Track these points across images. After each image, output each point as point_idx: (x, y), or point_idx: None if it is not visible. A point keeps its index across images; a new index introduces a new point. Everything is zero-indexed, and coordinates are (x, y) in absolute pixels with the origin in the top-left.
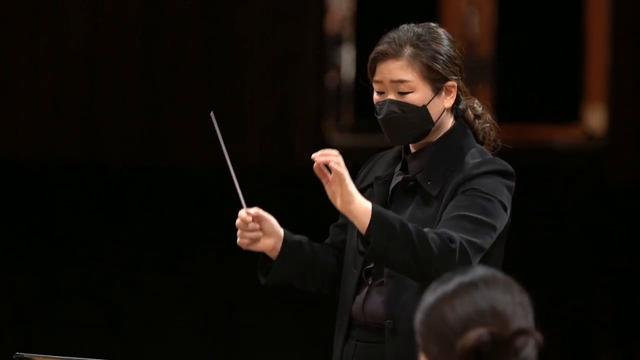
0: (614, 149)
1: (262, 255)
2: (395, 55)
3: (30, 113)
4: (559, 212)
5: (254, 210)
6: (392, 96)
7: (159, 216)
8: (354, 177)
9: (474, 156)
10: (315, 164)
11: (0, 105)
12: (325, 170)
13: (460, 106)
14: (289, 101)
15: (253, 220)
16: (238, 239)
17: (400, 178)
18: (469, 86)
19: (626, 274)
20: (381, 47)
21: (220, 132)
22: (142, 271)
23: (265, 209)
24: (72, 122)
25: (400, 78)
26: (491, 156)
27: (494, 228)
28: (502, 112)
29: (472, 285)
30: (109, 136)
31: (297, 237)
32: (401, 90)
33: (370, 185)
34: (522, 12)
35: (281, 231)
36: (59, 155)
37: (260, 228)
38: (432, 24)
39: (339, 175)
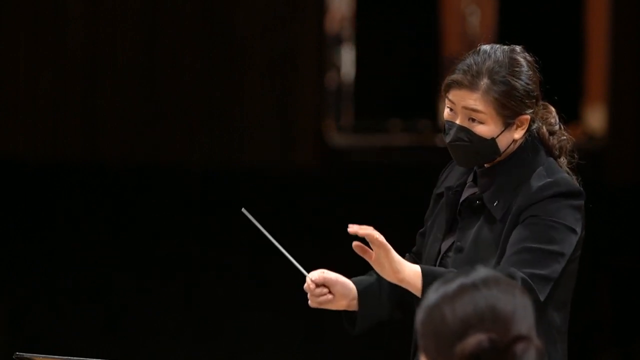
0: (614, 149)
1: (343, 311)
2: (469, 87)
3: (30, 113)
4: None
5: (318, 276)
6: (462, 121)
7: (158, 216)
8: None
9: (540, 176)
10: (354, 243)
11: (0, 105)
12: (366, 247)
13: (534, 125)
14: (288, 101)
15: (318, 287)
16: (309, 301)
17: (469, 192)
18: None
19: (626, 274)
20: (456, 75)
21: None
22: (142, 271)
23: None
24: (72, 122)
25: (473, 107)
26: (560, 175)
27: (560, 254)
28: None
29: (473, 286)
30: (109, 136)
31: (370, 285)
32: (472, 117)
33: (442, 193)
34: (522, 12)
35: (354, 290)
36: (59, 155)
37: (330, 291)
38: (517, 48)
39: (384, 247)
